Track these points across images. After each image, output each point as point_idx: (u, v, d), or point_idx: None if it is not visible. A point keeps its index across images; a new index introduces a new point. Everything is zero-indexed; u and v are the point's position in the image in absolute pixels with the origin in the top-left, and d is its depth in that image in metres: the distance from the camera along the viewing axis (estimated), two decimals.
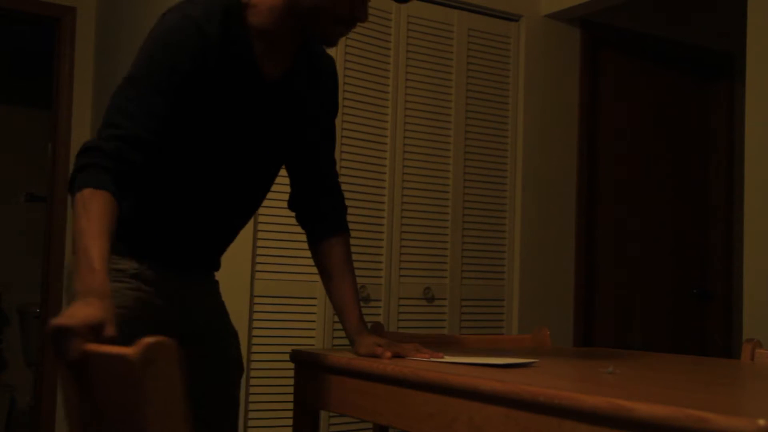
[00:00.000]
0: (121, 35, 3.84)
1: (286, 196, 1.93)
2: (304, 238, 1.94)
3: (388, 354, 1.71)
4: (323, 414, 3.00)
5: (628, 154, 4.15)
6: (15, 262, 6.21)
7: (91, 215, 1.39)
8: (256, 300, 3.06)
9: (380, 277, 3.33)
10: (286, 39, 1.70)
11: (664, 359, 2.04)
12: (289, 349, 1.94)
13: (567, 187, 3.84)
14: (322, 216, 1.90)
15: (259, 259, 3.08)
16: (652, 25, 4.21)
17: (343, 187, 3.23)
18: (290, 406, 1.91)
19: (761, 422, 0.98)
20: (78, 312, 1.24)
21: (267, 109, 1.73)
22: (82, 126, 4.11)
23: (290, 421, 1.90)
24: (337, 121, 3.21)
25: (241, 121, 1.69)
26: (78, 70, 4.11)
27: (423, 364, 1.63)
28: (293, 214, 1.95)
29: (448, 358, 1.71)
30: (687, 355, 2.26)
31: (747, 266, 2.93)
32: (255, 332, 3.06)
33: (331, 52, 1.93)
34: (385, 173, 3.37)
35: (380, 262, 3.33)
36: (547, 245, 3.75)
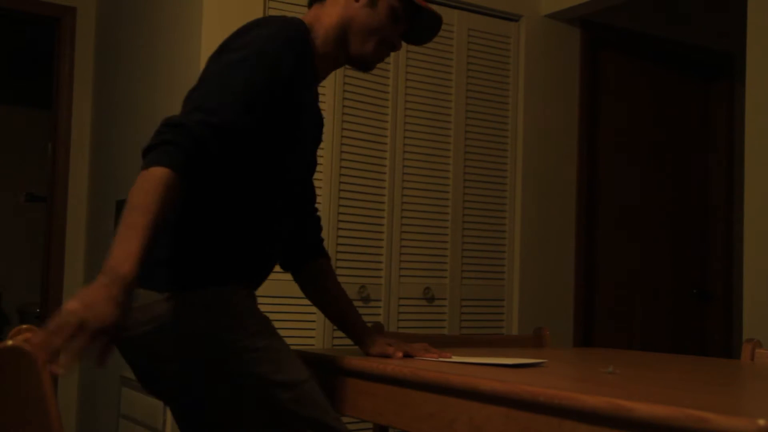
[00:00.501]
0: (121, 35, 3.84)
1: None
2: None
3: (399, 354, 1.74)
4: None
5: (628, 154, 4.15)
6: (15, 262, 6.22)
7: (156, 201, 1.37)
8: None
9: (380, 277, 3.33)
10: (331, 63, 1.80)
11: (664, 359, 2.04)
12: None
13: (567, 187, 3.84)
14: (314, 237, 1.95)
15: None
16: (652, 25, 4.21)
17: (343, 186, 3.28)
18: None
19: (761, 422, 0.98)
20: (97, 305, 1.25)
21: (316, 126, 1.84)
22: (82, 126, 4.11)
23: None
24: (338, 122, 3.24)
25: (305, 136, 1.76)
26: (78, 70, 4.11)
27: (423, 363, 1.63)
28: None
29: (456, 359, 1.72)
30: (687, 355, 2.26)
31: (747, 266, 2.93)
32: None
33: None
34: (385, 173, 3.37)
35: (380, 262, 3.33)
36: (547, 245, 3.75)
